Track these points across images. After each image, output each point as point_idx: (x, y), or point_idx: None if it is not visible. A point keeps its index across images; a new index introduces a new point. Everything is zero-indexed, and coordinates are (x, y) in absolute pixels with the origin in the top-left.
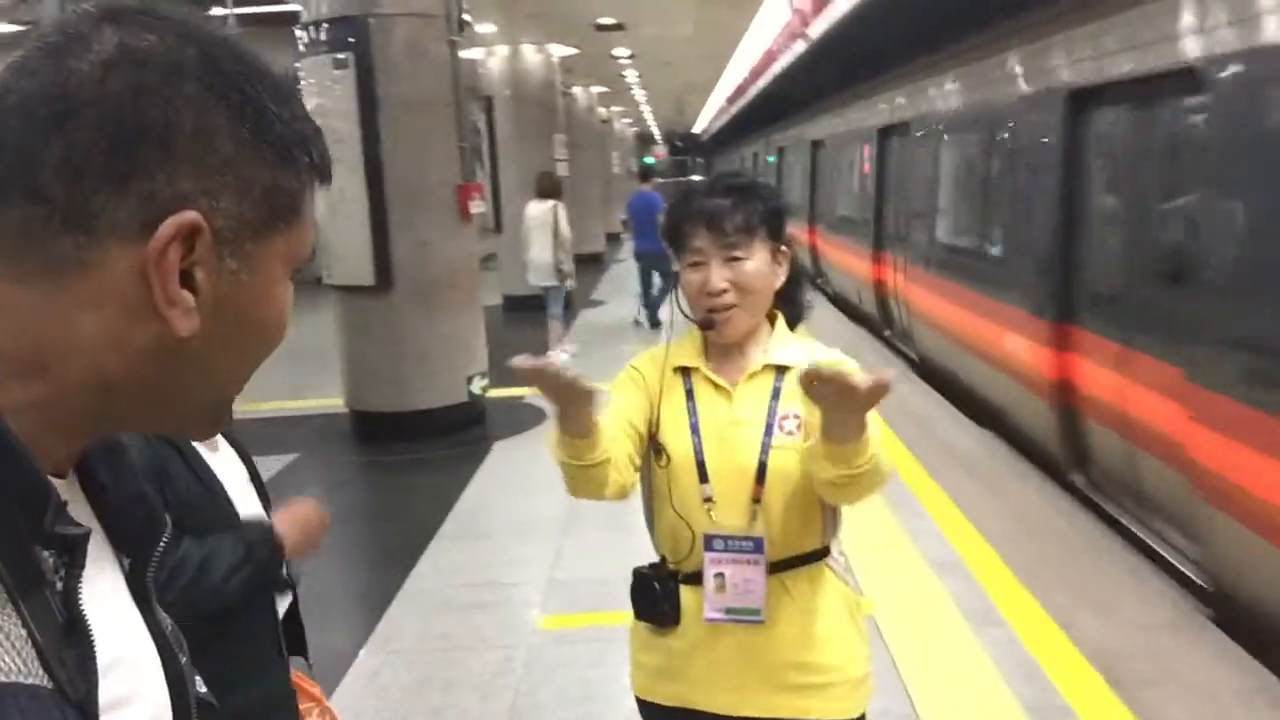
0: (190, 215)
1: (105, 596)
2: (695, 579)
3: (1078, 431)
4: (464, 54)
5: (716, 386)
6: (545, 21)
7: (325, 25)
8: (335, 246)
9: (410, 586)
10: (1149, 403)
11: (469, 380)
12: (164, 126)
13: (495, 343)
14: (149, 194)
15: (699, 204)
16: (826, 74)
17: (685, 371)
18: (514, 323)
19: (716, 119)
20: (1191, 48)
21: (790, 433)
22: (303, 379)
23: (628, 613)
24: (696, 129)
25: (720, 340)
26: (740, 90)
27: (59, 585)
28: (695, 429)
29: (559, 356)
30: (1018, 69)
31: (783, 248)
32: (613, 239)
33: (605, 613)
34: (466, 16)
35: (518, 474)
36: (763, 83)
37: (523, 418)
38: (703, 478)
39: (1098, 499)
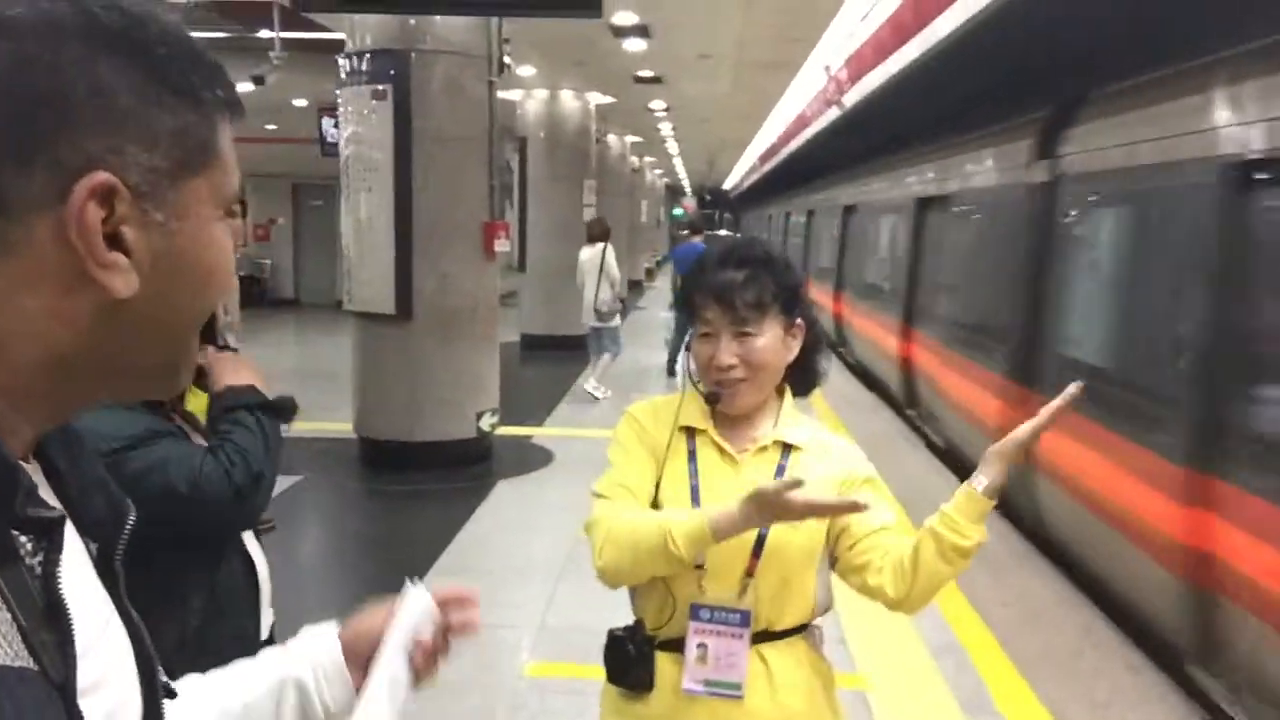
0: (100, 175)
1: (75, 582)
2: (672, 645)
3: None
4: (502, 94)
5: (722, 453)
6: (585, 69)
7: (368, 56)
8: (358, 272)
9: None
10: None
11: (479, 416)
12: (55, 92)
13: (509, 380)
14: (55, 163)
15: (712, 277)
16: (858, 141)
17: (691, 432)
18: (530, 361)
19: (747, 176)
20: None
21: None
22: (313, 400)
23: None
24: (726, 185)
25: (725, 411)
26: (772, 151)
27: (38, 569)
28: (695, 494)
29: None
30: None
31: (797, 322)
32: (634, 286)
33: (593, 666)
34: (508, 59)
35: (520, 514)
36: (795, 145)
37: (529, 458)
38: None
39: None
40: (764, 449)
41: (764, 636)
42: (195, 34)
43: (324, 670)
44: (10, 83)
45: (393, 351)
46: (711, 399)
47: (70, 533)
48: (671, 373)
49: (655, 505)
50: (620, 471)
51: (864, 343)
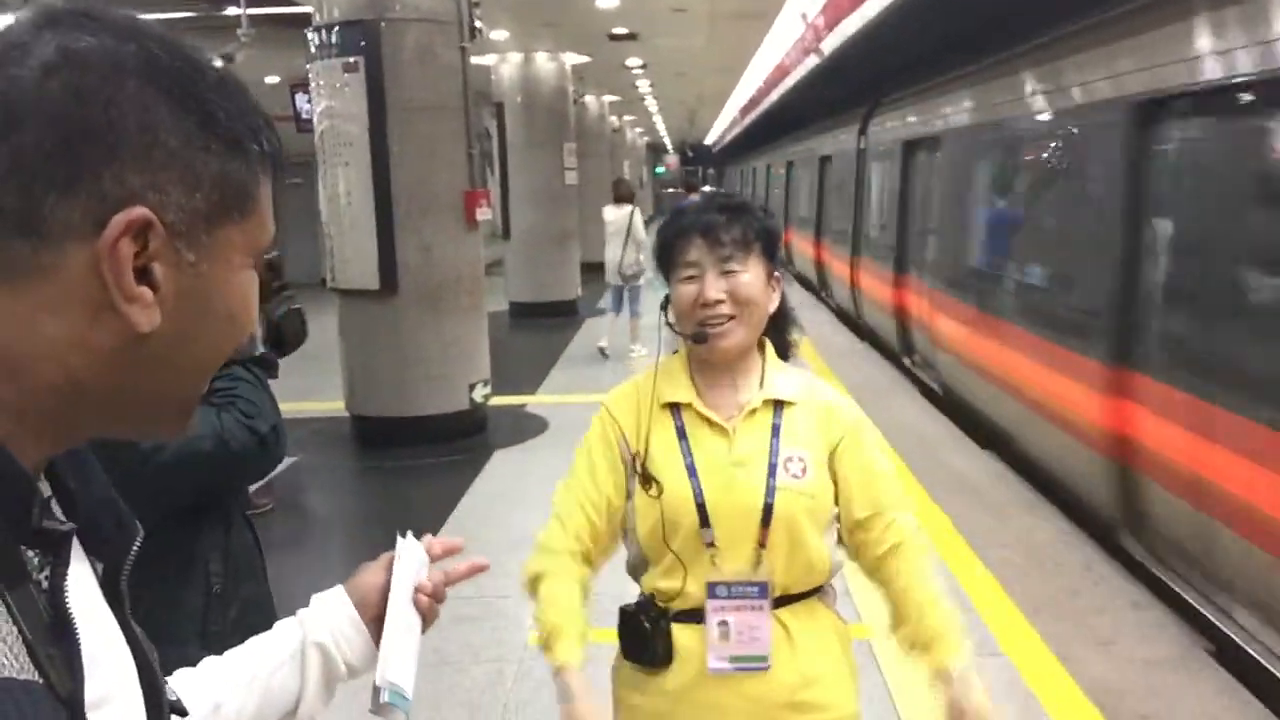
0: (139, 210)
1: (81, 599)
2: (687, 617)
3: None
4: (476, 60)
5: (711, 424)
6: (559, 30)
7: (336, 28)
8: (340, 250)
9: None
10: None
11: (471, 387)
12: (107, 126)
13: (499, 350)
14: (98, 193)
15: (692, 218)
16: (837, 89)
17: (675, 407)
18: (520, 329)
19: (728, 131)
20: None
21: (795, 475)
22: (304, 382)
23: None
24: (708, 140)
25: (713, 357)
26: (753, 103)
27: (45, 584)
28: (693, 470)
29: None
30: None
31: (776, 274)
32: None
33: (595, 629)
34: (479, 23)
35: (516, 484)
36: (775, 96)
37: (524, 426)
38: (704, 522)
39: None
40: (753, 412)
41: (781, 601)
42: (158, 15)
43: (340, 629)
44: (66, 112)
45: (380, 327)
46: (698, 339)
47: (77, 551)
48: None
49: (645, 475)
50: (578, 482)
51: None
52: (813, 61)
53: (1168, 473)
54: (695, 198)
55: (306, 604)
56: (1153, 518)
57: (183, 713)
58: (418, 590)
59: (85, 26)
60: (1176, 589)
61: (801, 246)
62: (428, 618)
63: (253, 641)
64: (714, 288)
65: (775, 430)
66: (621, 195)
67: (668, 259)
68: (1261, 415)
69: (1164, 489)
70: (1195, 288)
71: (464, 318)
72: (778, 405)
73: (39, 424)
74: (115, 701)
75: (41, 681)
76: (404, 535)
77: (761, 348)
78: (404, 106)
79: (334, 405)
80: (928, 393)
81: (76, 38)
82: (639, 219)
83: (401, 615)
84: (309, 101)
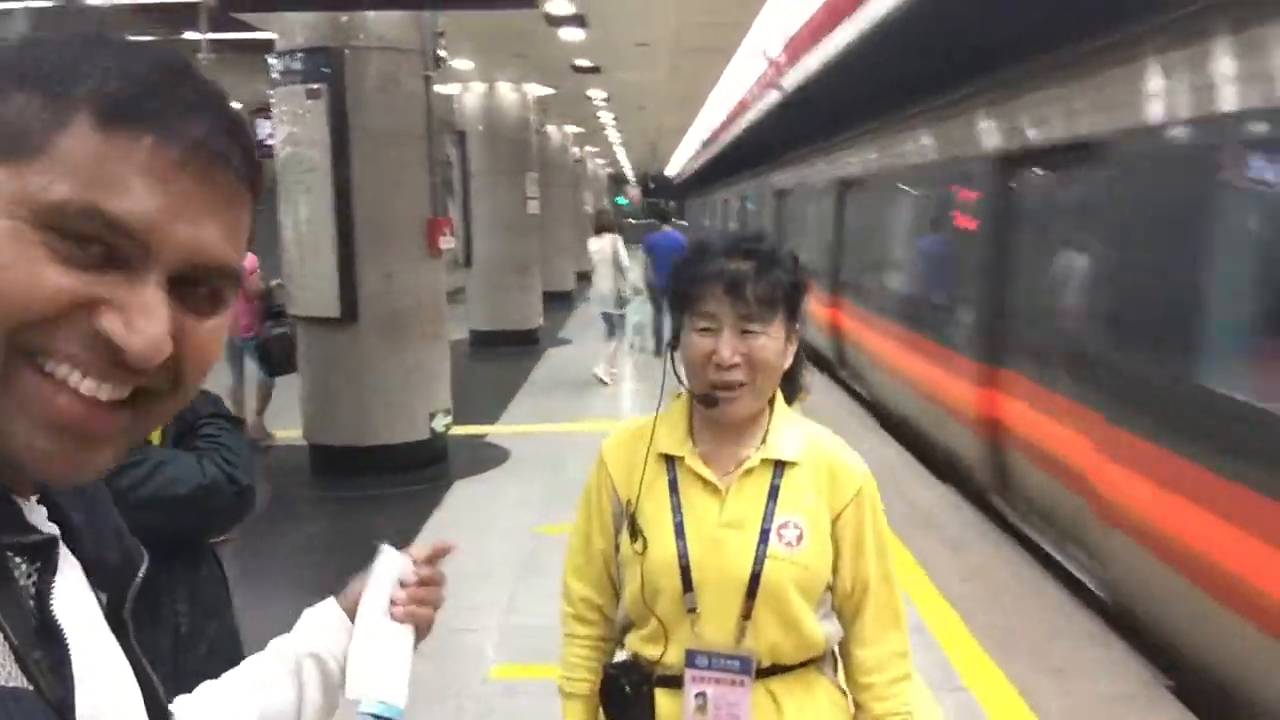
0: None
1: (81, 619)
2: (671, 682)
3: None
4: (439, 89)
5: (705, 482)
6: (523, 61)
7: (300, 55)
8: (300, 276)
9: None
10: None
11: (431, 416)
12: None
13: (460, 379)
14: None
15: (718, 265)
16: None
17: (670, 459)
18: (480, 358)
19: (690, 162)
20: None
21: (790, 544)
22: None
23: None
24: (669, 171)
25: (720, 420)
26: (714, 136)
27: (32, 589)
28: (680, 531)
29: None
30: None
31: (796, 326)
32: (583, 278)
33: (533, 666)
34: (443, 53)
35: (477, 514)
36: (737, 129)
37: (485, 457)
38: (687, 586)
39: None
40: (750, 471)
41: (772, 670)
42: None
43: (333, 637)
44: None
45: (340, 355)
46: (707, 402)
47: (78, 573)
48: (659, 352)
49: (633, 525)
50: (580, 531)
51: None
52: (775, 96)
53: (1020, 444)
54: (670, 230)
55: (268, 636)
56: (1014, 481)
57: None
58: (392, 602)
59: None
60: (1031, 534)
61: None
62: (421, 627)
63: (249, 660)
64: (730, 348)
65: (773, 492)
66: (603, 225)
67: (683, 303)
68: (1079, 396)
69: (1021, 457)
70: (1042, 300)
71: (425, 346)
72: (778, 465)
73: None
74: (114, 718)
75: (31, 688)
76: (382, 546)
77: (771, 400)
78: (366, 134)
79: (292, 434)
80: (873, 413)
81: None
82: (621, 248)
83: (376, 627)
84: (270, 127)
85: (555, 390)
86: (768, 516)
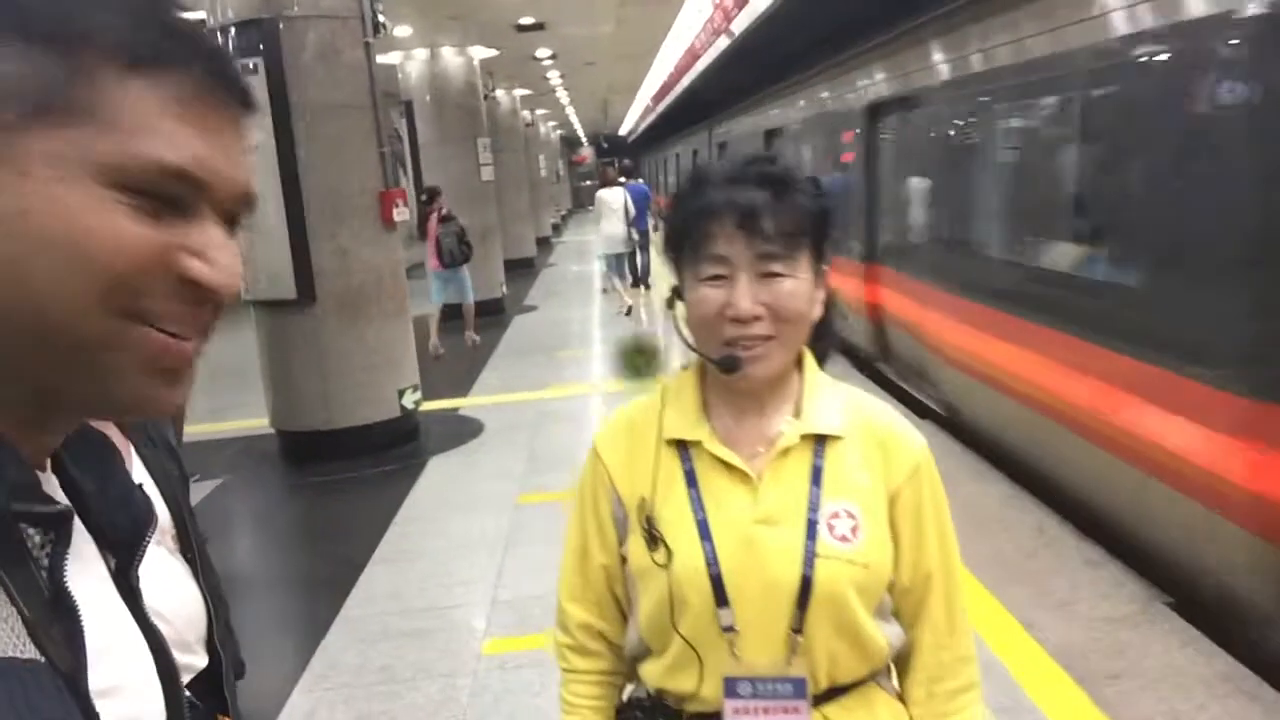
0: None
1: (93, 590)
2: (706, 719)
3: None
4: (381, 59)
5: (730, 468)
6: (465, 23)
7: (232, 29)
8: (253, 259)
9: (345, 616)
10: None
11: (400, 394)
12: None
13: (427, 353)
14: None
15: (724, 195)
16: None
17: (682, 445)
18: (445, 330)
19: (642, 120)
20: None
21: (844, 537)
22: (224, 400)
23: None
24: (622, 131)
25: (748, 386)
26: (664, 89)
27: (45, 561)
28: (705, 531)
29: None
30: None
31: (824, 267)
32: (543, 244)
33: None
34: (382, 18)
35: (455, 490)
36: (686, 81)
37: (458, 430)
38: (720, 600)
39: None
40: (786, 451)
41: (827, 695)
42: None
43: None
44: None
45: (300, 338)
46: (728, 367)
47: (87, 542)
48: (637, 282)
49: (652, 532)
50: (573, 546)
51: None
52: (724, 43)
53: (891, 319)
54: (639, 183)
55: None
56: (891, 348)
57: (201, 710)
58: None
59: None
60: (907, 388)
61: None
62: None
63: None
64: (749, 296)
65: (816, 475)
66: (608, 179)
67: (684, 243)
68: (917, 274)
69: (893, 329)
70: (900, 211)
71: (387, 322)
72: (819, 440)
73: None
74: (128, 691)
75: (44, 660)
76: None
77: (799, 361)
78: (309, 107)
79: (258, 422)
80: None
81: None
82: (629, 198)
83: None
84: None
85: (525, 358)
86: (813, 505)
